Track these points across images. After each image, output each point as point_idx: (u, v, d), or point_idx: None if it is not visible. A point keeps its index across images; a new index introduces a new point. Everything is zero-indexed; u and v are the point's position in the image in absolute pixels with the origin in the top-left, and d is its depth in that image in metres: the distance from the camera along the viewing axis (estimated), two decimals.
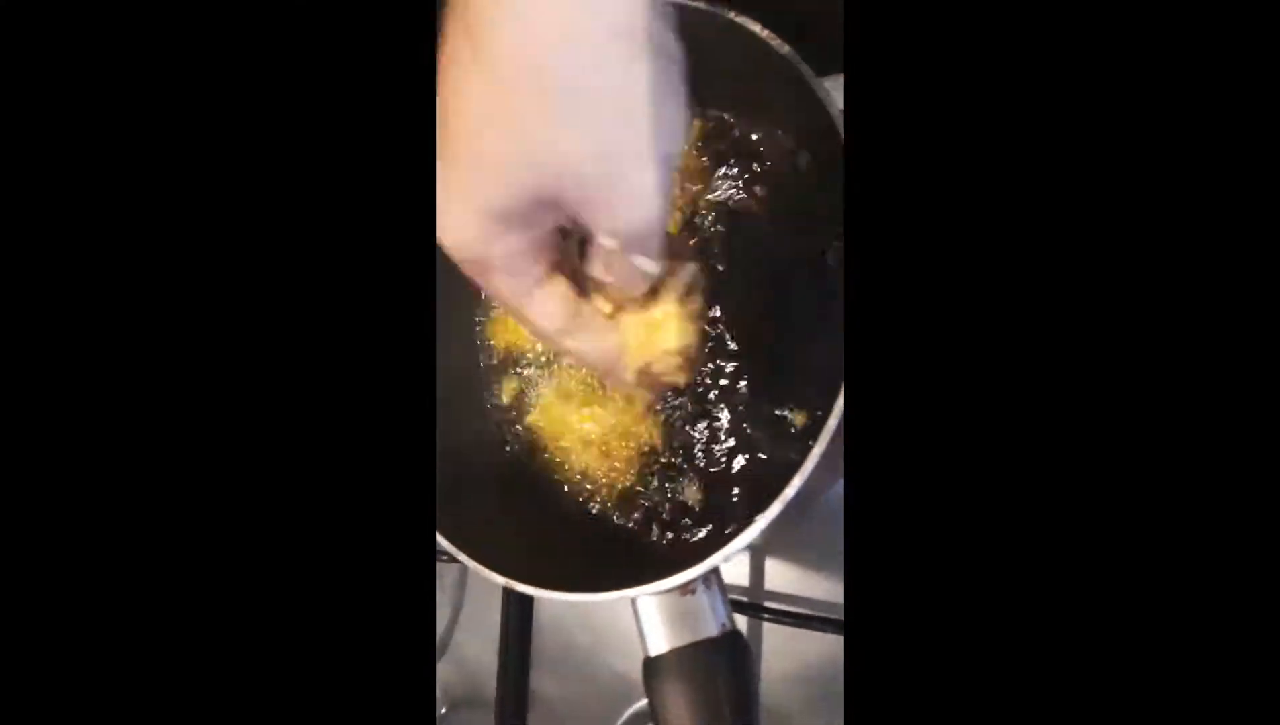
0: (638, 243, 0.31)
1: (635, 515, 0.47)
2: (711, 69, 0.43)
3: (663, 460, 0.47)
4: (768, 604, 0.52)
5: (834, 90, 0.38)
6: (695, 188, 0.48)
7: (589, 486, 0.49)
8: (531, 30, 0.26)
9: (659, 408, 0.47)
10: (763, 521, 0.35)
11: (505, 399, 0.52)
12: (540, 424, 0.51)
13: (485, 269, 0.31)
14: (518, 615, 0.58)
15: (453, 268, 0.31)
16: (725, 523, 0.44)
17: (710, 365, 0.46)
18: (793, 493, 0.35)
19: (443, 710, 0.61)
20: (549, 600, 0.39)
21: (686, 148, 0.48)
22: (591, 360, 0.35)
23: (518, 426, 0.51)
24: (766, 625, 0.52)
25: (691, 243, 0.47)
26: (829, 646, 0.50)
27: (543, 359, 0.51)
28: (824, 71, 0.39)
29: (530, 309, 0.33)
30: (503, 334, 0.52)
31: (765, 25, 0.39)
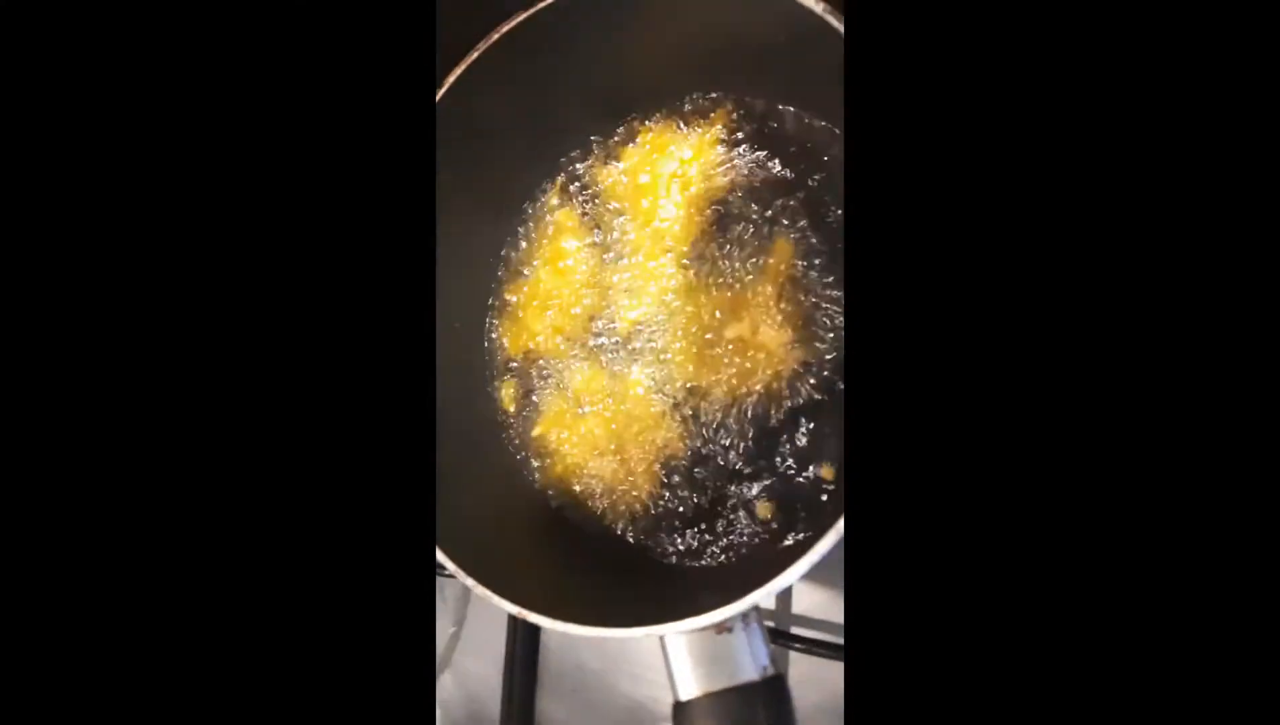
0: None
1: (660, 537, 0.44)
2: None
3: (682, 461, 0.43)
4: (795, 630, 0.49)
5: None
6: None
7: (604, 497, 0.45)
8: None
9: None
10: (815, 555, 0.31)
11: (509, 406, 0.48)
12: (548, 431, 0.47)
13: None
14: (525, 634, 0.54)
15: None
16: (766, 550, 0.41)
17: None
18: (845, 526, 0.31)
19: None
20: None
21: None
22: None
23: (524, 433, 0.48)
24: (793, 654, 0.49)
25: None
26: None
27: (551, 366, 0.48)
28: None
29: None
30: (515, 339, 0.49)
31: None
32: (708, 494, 0.43)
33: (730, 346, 0.43)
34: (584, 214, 0.48)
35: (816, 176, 0.43)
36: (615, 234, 0.47)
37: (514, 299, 0.49)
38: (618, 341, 0.46)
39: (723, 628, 0.33)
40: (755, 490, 0.42)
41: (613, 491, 0.45)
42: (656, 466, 0.44)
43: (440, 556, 0.37)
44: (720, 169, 0.45)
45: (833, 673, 0.48)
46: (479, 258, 0.49)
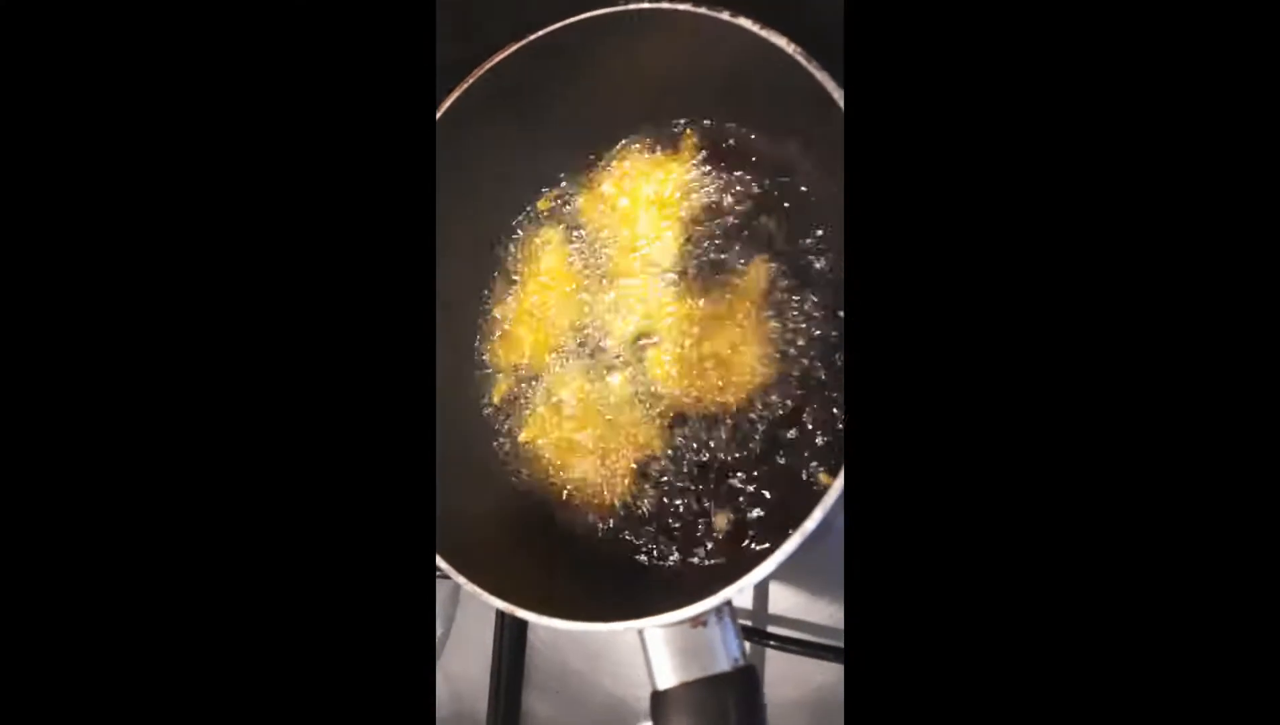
0: None
1: (641, 536, 0.46)
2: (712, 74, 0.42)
3: (660, 466, 0.46)
4: (771, 629, 0.51)
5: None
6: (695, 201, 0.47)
7: (588, 499, 0.47)
8: None
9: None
10: (782, 554, 0.34)
11: (496, 400, 0.50)
12: (534, 436, 0.49)
13: None
14: (512, 633, 0.56)
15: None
16: (741, 550, 0.43)
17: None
18: (814, 525, 0.33)
19: None
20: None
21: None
22: None
23: (513, 438, 0.50)
24: (770, 651, 0.51)
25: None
26: (834, 674, 0.49)
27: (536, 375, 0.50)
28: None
29: None
30: (504, 352, 0.51)
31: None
32: (684, 498, 0.45)
33: (708, 361, 0.45)
34: (568, 234, 0.51)
35: (787, 195, 0.46)
36: (598, 254, 0.50)
37: (503, 314, 0.52)
38: (601, 354, 0.48)
39: (698, 621, 0.36)
40: (729, 495, 0.44)
41: (595, 495, 0.47)
42: (636, 471, 0.46)
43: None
44: (698, 191, 0.48)
45: (808, 670, 0.50)
46: (469, 275, 0.52)
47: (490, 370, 0.52)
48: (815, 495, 0.34)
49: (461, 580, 0.39)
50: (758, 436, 0.44)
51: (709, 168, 0.48)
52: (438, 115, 0.44)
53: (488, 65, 0.44)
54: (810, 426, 0.43)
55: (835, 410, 0.42)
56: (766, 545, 0.38)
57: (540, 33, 0.44)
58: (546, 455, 0.49)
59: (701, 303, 0.46)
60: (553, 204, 0.52)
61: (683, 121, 0.49)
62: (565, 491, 0.48)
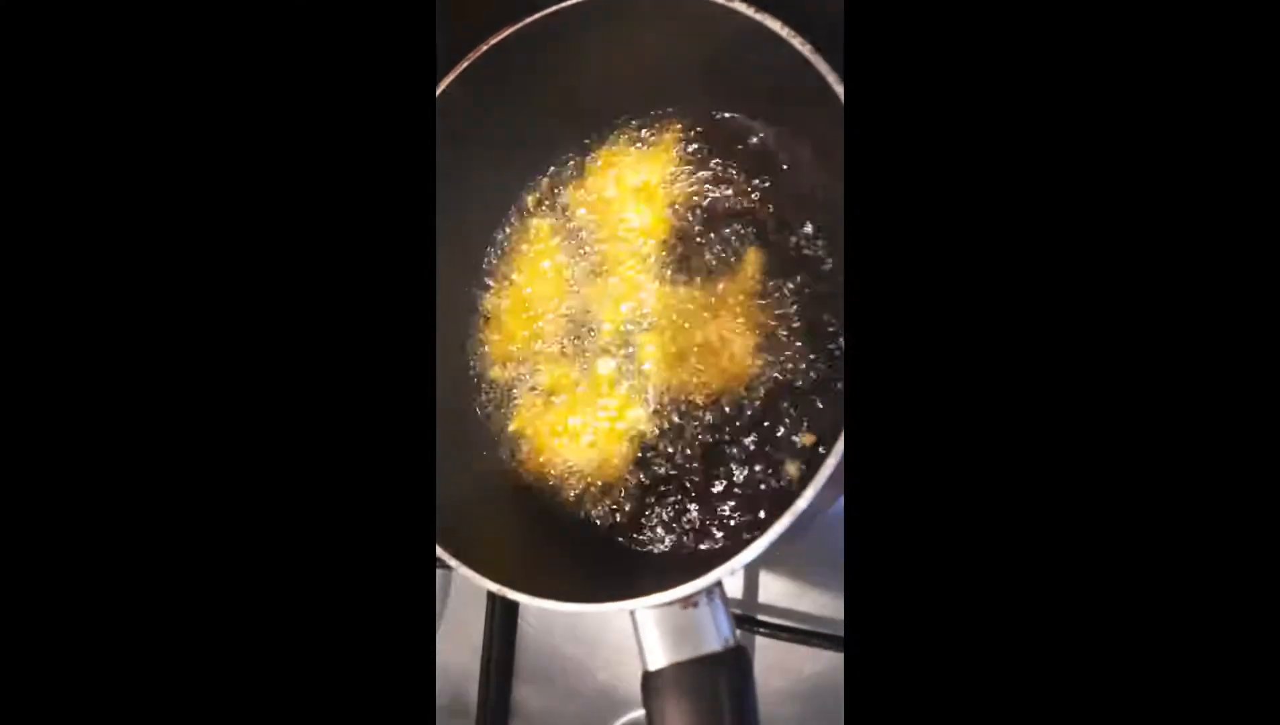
0: None
1: (632, 520, 0.46)
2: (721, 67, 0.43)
3: (651, 451, 0.46)
4: (763, 618, 0.51)
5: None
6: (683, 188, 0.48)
7: (579, 484, 0.47)
8: None
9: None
10: (772, 534, 0.34)
11: (488, 388, 0.51)
12: (525, 424, 0.49)
13: None
14: (502, 622, 0.56)
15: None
16: (731, 534, 0.43)
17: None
18: (804, 504, 0.33)
19: None
20: (534, 608, 0.38)
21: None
22: None
23: (504, 426, 0.50)
24: (761, 639, 0.51)
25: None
26: (825, 663, 0.49)
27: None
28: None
29: None
30: (497, 341, 0.51)
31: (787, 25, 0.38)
32: (674, 484, 0.45)
33: (698, 349, 0.45)
34: (560, 225, 0.51)
35: (779, 182, 0.46)
36: (587, 243, 0.50)
37: (496, 304, 0.52)
38: (593, 344, 0.49)
39: (689, 602, 0.36)
40: (720, 482, 0.44)
41: (587, 481, 0.47)
42: (628, 458, 0.46)
43: None
44: (687, 179, 0.48)
45: (799, 659, 0.50)
46: (460, 265, 0.52)
47: (481, 359, 0.52)
48: (805, 478, 0.34)
49: (453, 563, 0.39)
50: (748, 422, 0.44)
51: (699, 156, 0.48)
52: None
53: (474, 54, 0.44)
54: (800, 413, 0.43)
55: (819, 401, 0.43)
56: (757, 529, 0.39)
57: (528, 19, 0.43)
58: (537, 442, 0.49)
59: (690, 292, 0.46)
60: (542, 194, 0.52)
61: (671, 109, 0.49)
62: (556, 477, 0.48)
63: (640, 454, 0.46)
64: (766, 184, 0.46)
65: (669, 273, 0.47)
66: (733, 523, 0.44)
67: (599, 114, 0.50)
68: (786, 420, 0.43)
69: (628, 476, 0.46)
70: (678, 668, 0.35)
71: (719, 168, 0.47)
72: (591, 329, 0.49)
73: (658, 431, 0.46)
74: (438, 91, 0.44)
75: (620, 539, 0.46)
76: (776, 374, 0.44)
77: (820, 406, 0.43)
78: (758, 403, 0.44)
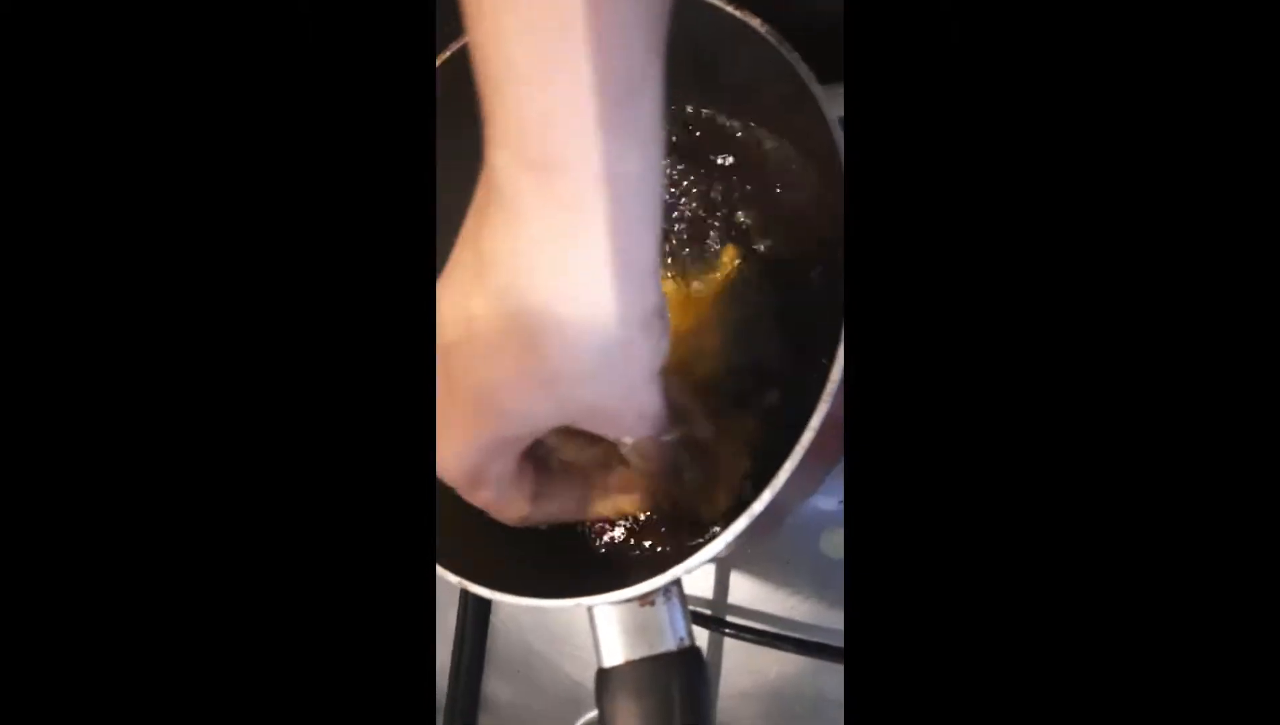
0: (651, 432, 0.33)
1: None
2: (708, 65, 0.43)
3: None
4: (729, 618, 0.51)
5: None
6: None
7: None
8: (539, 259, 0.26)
9: None
10: (729, 535, 0.34)
11: None
12: None
13: (475, 486, 0.33)
14: (475, 617, 0.56)
15: None
16: (691, 532, 0.43)
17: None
18: (761, 507, 0.33)
19: None
20: (506, 603, 0.38)
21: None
22: (555, 515, 0.37)
23: None
24: (727, 640, 0.51)
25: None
26: (789, 665, 0.49)
27: None
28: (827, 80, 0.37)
29: (506, 513, 0.35)
30: None
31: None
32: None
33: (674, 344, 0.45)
34: None
35: (758, 182, 0.46)
36: None
37: None
38: None
39: (646, 600, 0.36)
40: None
41: None
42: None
43: None
44: (670, 173, 0.48)
45: (765, 661, 0.50)
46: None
47: None
48: (764, 479, 0.34)
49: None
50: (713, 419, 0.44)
51: (677, 154, 0.48)
52: None
53: (447, 54, 0.44)
54: (766, 414, 0.43)
55: (780, 395, 0.43)
56: (715, 528, 0.39)
57: None
58: None
59: (668, 286, 0.46)
60: None
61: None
62: None
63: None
64: (747, 184, 0.46)
65: None
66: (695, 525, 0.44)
67: None
68: (755, 418, 0.43)
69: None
70: (631, 665, 0.35)
71: (699, 166, 0.47)
72: None
73: None
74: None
75: (581, 535, 0.46)
76: (748, 371, 0.44)
77: (791, 402, 0.43)
78: (726, 400, 0.44)
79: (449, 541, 0.41)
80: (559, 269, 0.26)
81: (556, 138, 0.25)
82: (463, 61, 0.43)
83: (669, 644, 0.36)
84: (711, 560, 0.35)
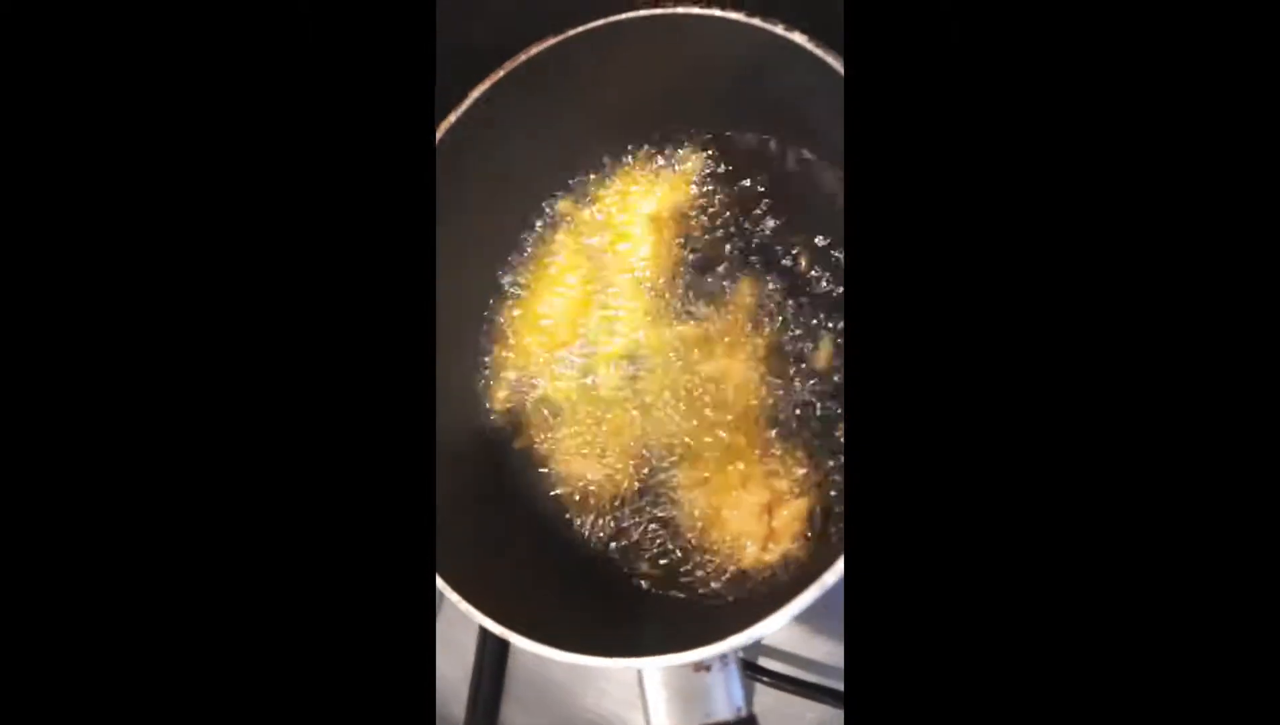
0: None
1: (640, 554, 0.44)
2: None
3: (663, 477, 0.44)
4: (764, 662, 0.49)
5: None
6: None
7: (587, 518, 0.46)
8: None
9: None
10: (795, 608, 0.32)
11: (495, 408, 0.49)
12: (527, 448, 0.48)
13: None
14: (495, 643, 0.54)
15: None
16: (752, 592, 0.41)
17: None
18: (834, 579, 0.32)
19: None
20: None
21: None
22: None
23: (510, 445, 0.48)
24: (760, 685, 0.49)
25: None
26: (829, 715, 0.47)
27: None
28: None
29: None
30: (506, 361, 0.50)
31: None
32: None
33: (704, 380, 0.44)
34: (566, 249, 0.50)
35: (790, 209, 0.45)
36: (599, 268, 0.49)
37: (507, 323, 0.50)
38: (601, 369, 0.47)
39: (700, 666, 0.34)
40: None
41: (593, 509, 0.46)
42: (638, 487, 0.45)
43: None
44: (695, 204, 0.47)
45: (798, 709, 0.49)
46: (473, 289, 0.50)
47: (491, 378, 0.50)
48: (835, 548, 0.32)
49: (454, 597, 0.38)
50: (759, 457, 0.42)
51: (710, 180, 0.47)
52: (443, 129, 0.43)
53: (486, 84, 0.43)
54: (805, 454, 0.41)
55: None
56: (775, 589, 0.37)
57: (544, 44, 0.43)
58: (542, 465, 0.47)
59: (691, 323, 0.45)
60: (549, 219, 0.50)
61: (681, 135, 0.48)
62: (559, 503, 0.47)
63: (650, 485, 0.45)
64: (780, 210, 0.45)
65: (668, 300, 0.46)
66: (748, 574, 0.42)
67: (610, 140, 0.49)
68: (794, 452, 0.42)
69: (636, 510, 0.45)
70: None
71: (731, 191, 0.46)
72: (596, 354, 0.47)
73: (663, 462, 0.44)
74: (454, 118, 0.43)
75: (627, 576, 0.44)
76: (782, 404, 0.43)
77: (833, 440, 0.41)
78: (765, 433, 0.42)
79: (484, 583, 0.39)
80: None
81: None
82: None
83: (724, 713, 0.34)
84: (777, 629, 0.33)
